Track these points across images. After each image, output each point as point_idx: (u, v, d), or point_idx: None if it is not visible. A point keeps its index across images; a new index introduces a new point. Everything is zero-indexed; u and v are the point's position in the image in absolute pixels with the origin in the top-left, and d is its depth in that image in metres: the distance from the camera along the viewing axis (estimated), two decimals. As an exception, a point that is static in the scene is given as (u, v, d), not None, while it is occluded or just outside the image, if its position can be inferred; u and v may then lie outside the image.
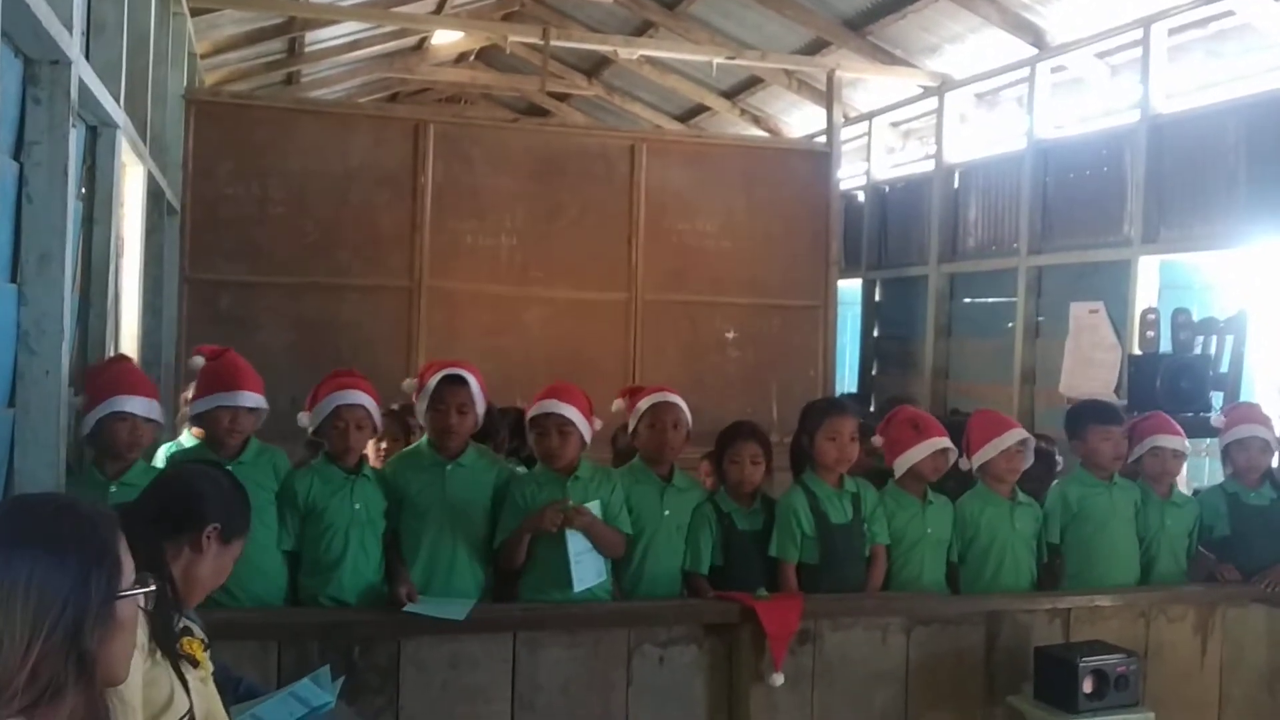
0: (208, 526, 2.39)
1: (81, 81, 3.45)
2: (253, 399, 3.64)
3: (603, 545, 3.77)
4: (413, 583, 3.61)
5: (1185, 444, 4.51)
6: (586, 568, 3.71)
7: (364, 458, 3.81)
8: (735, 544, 4.01)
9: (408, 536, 3.74)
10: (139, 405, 3.52)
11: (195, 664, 2.19)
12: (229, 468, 3.49)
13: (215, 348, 3.82)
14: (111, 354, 4.42)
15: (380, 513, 3.72)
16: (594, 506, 3.72)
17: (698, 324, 8.11)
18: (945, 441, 4.19)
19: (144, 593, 1.53)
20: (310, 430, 3.73)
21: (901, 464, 4.18)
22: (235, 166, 7.18)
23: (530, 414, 3.84)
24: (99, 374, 3.69)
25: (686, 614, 3.81)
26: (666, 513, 3.94)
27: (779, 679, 3.69)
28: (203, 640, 2.28)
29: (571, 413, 3.77)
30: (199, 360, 3.73)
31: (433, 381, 3.73)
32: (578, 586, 3.68)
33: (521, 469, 4.10)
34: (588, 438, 3.84)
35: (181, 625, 2.22)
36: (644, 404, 4.02)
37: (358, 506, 3.65)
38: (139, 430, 3.53)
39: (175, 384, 5.80)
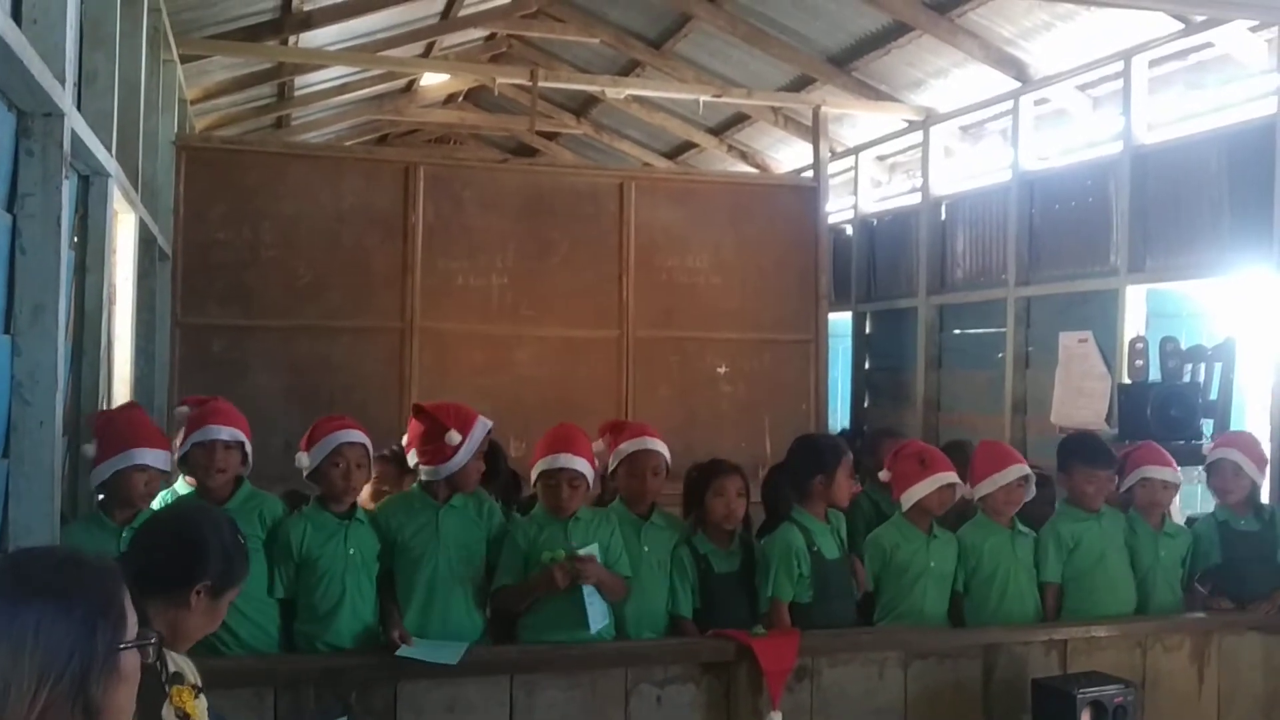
0: (197, 584, 2.35)
1: (74, 133, 3.47)
2: (228, 432, 3.63)
3: (607, 591, 3.78)
4: (404, 626, 3.61)
5: (1176, 474, 4.53)
6: (597, 609, 3.73)
7: (355, 501, 3.80)
8: (714, 587, 4.00)
9: (403, 580, 3.73)
10: (156, 458, 3.56)
11: (186, 717, 2.16)
12: None
13: (201, 397, 3.84)
14: (105, 402, 4.42)
15: (374, 555, 3.71)
16: (593, 550, 3.72)
17: (689, 360, 8.12)
18: (952, 476, 4.22)
19: (148, 644, 1.55)
20: (307, 471, 3.73)
21: (908, 498, 4.20)
22: (226, 211, 7.20)
23: (540, 468, 3.83)
24: (111, 422, 3.69)
25: (683, 653, 3.80)
26: (646, 549, 3.94)
27: (776, 717, 3.68)
28: (194, 685, 2.25)
29: (582, 465, 3.81)
30: (184, 410, 3.75)
31: (479, 431, 3.76)
32: (594, 627, 3.70)
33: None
34: (592, 484, 3.88)
35: (172, 671, 2.20)
36: (625, 448, 4.02)
37: (352, 551, 3.64)
38: (154, 481, 3.56)
39: (167, 430, 5.79)
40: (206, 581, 2.37)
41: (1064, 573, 4.34)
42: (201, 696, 2.24)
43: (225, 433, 3.63)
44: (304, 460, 3.71)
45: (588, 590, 3.69)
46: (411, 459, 3.96)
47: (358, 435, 3.72)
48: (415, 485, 3.90)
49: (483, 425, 3.80)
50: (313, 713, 3.35)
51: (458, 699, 3.52)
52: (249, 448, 3.71)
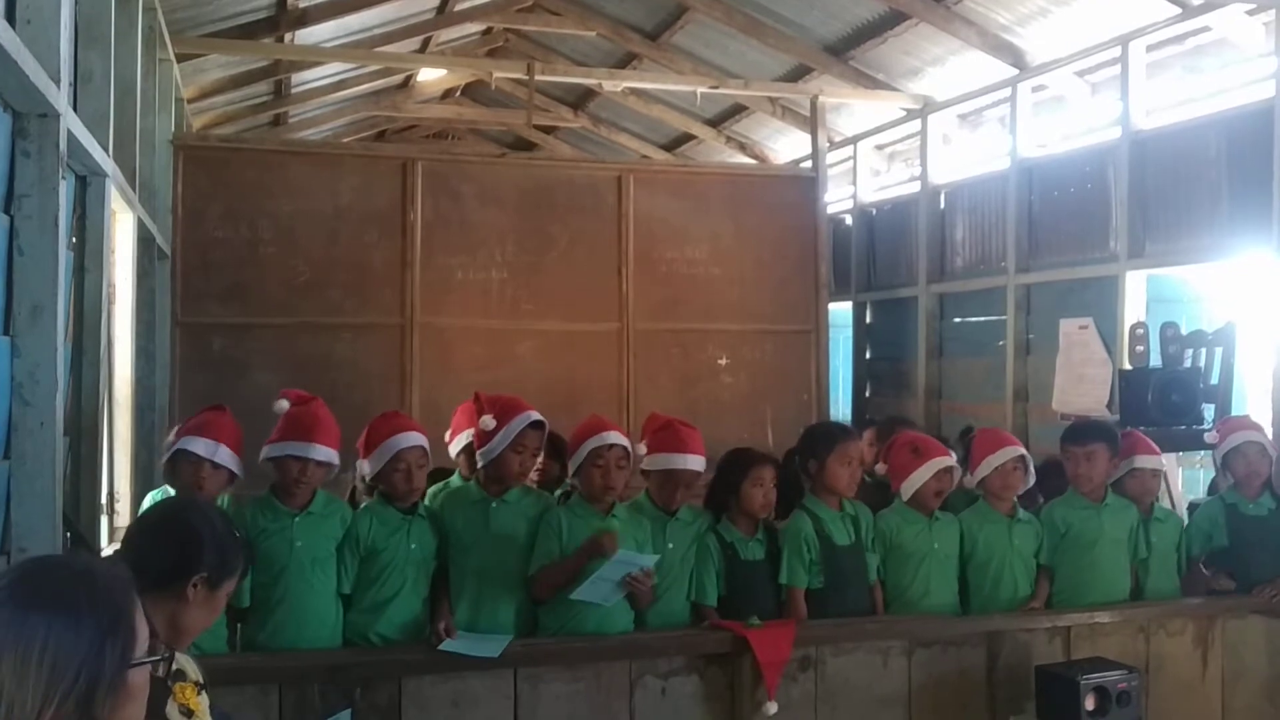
0: (193, 577, 2.32)
1: (70, 133, 3.48)
2: (325, 453, 3.62)
3: (639, 599, 3.80)
4: (452, 619, 3.65)
5: (1163, 461, 4.54)
6: (597, 589, 3.66)
7: (421, 497, 3.82)
8: (740, 574, 3.99)
9: (455, 573, 3.76)
10: (201, 446, 3.51)
11: (190, 714, 2.16)
12: (296, 519, 3.56)
13: (303, 394, 3.79)
14: (105, 401, 4.44)
15: (433, 552, 3.75)
16: (647, 558, 3.71)
17: (690, 351, 8.13)
18: (947, 460, 4.23)
19: (158, 660, 1.53)
20: (370, 476, 3.74)
21: (907, 488, 4.21)
22: (225, 209, 7.20)
23: (592, 445, 3.79)
24: (193, 417, 3.71)
25: (687, 645, 3.80)
26: (670, 545, 3.92)
27: (773, 707, 3.67)
28: (196, 682, 2.25)
29: (627, 442, 3.84)
30: (284, 404, 3.71)
31: (518, 423, 3.75)
32: (580, 597, 3.65)
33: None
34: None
35: (175, 669, 2.19)
36: (664, 461, 3.95)
37: (413, 546, 3.68)
38: (202, 473, 3.52)
39: (168, 428, 5.78)
40: (202, 573, 2.34)
41: (1056, 557, 4.35)
42: (204, 693, 2.24)
43: (322, 453, 3.61)
44: (365, 467, 3.72)
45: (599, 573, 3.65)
46: (455, 446, 4.05)
47: (416, 437, 3.71)
48: (474, 479, 3.91)
49: (523, 418, 3.78)
50: (318, 709, 3.35)
51: (462, 693, 3.52)
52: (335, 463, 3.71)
